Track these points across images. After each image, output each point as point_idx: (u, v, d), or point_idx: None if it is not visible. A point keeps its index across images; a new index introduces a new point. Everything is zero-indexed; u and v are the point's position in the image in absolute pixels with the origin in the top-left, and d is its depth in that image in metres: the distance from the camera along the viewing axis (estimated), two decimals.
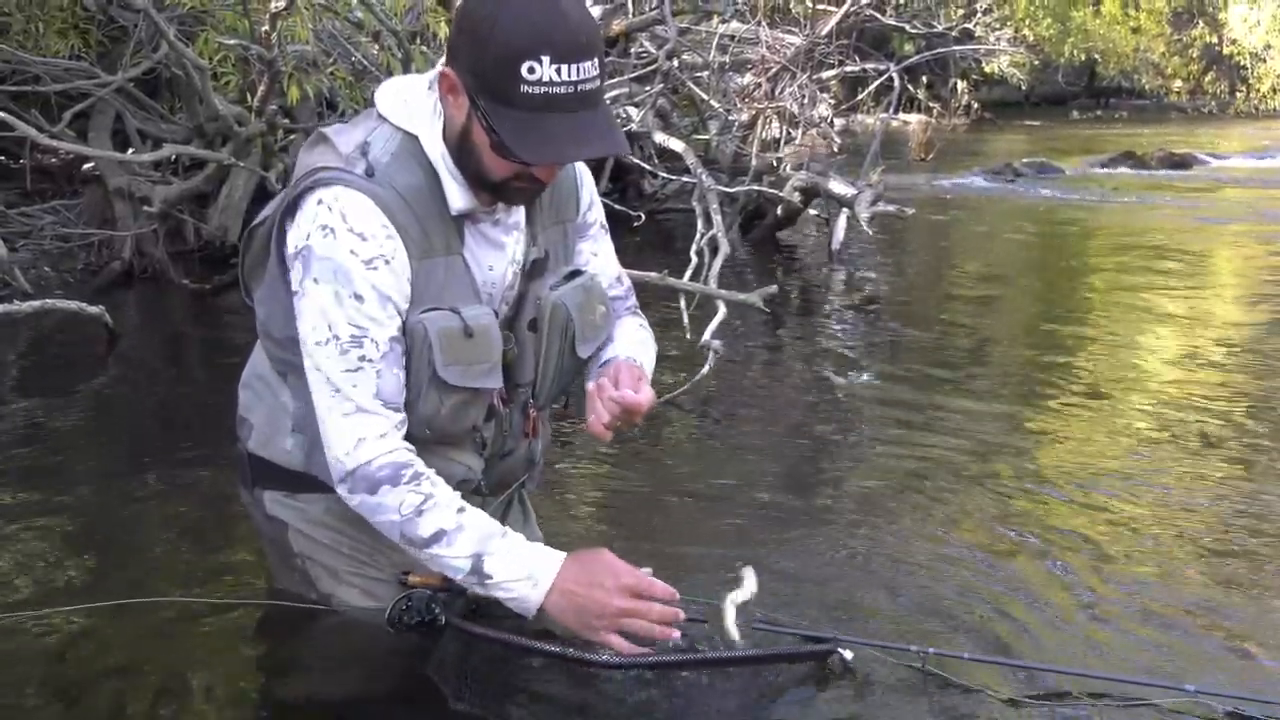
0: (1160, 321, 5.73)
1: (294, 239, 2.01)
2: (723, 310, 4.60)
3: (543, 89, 1.84)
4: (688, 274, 5.14)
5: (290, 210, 2.03)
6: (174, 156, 5.93)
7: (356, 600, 2.24)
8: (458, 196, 2.03)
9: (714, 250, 5.46)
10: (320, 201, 1.98)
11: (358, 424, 1.99)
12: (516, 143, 1.87)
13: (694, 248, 5.48)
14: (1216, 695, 2.14)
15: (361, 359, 1.98)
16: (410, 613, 2.16)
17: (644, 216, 6.04)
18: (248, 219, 5.95)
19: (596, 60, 1.88)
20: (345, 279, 1.96)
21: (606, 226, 2.36)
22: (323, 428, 2.02)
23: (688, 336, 4.60)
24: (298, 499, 2.20)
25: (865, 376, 4.78)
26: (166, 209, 5.89)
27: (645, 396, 2.08)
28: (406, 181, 2.00)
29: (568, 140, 1.89)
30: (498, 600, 2.04)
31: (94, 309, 4.76)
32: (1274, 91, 23.58)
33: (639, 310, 2.42)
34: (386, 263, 1.97)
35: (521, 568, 2.00)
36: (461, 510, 2.02)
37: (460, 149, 1.98)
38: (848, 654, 2.17)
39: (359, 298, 1.96)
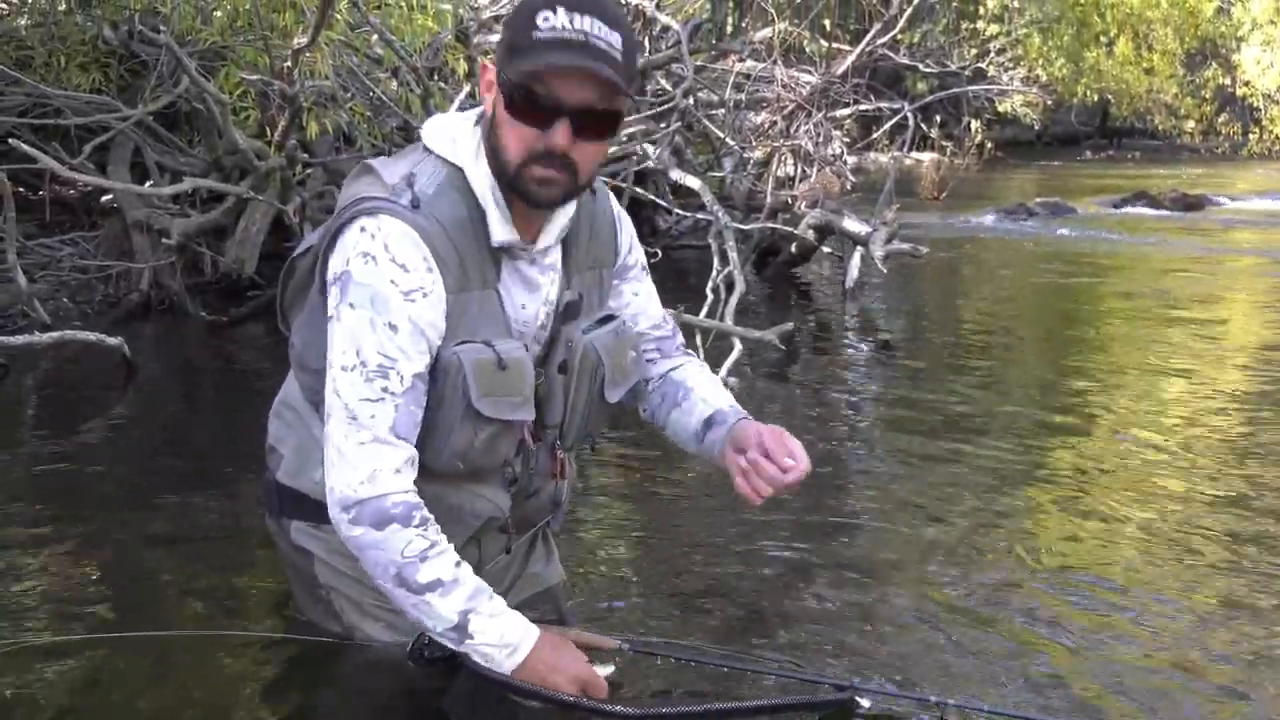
0: (1178, 365, 5.69)
1: (334, 265, 2.03)
2: (739, 347, 4.60)
3: (554, 33, 1.90)
4: (703, 311, 5.15)
5: (333, 239, 2.05)
6: (192, 189, 5.96)
7: (379, 634, 2.24)
8: (500, 228, 2.05)
9: (729, 287, 5.47)
10: (363, 229, 2.00)
11: (374, 454, 1.99)
12: (524, 75, 1.92)
13: (709, 285, 5.50)
14: None
15: (384, 390, 1.99)
16: (432, 647, 2.15)
17: (660, 253, 6.05)
18: (264, 252, 6.04)
19: (616, 33, 1.92)
20: (382, 307, 1.97)
21: (647, 267, 2.38)
22: (333, 453, 2.02)
23: None
24: (324, 529, 2.18)
25: (880, 416, 4.77)
26: (184, 241, 5.91)
27: (804, 466, 2.17)
28: (450, 213, 2.02)
29: (565, 59, 1.90)
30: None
31: (113, 340, 4.78)
32: None
33: (688, 349, 2.45)
34: (425, 296, 1.99)
35: (502, 636, 2.04)
36: (459, 564, 2.04)
37: (492, 145, 2.02)
38: (865, 702, 2.15)
39: (393, 327, 1.98)
